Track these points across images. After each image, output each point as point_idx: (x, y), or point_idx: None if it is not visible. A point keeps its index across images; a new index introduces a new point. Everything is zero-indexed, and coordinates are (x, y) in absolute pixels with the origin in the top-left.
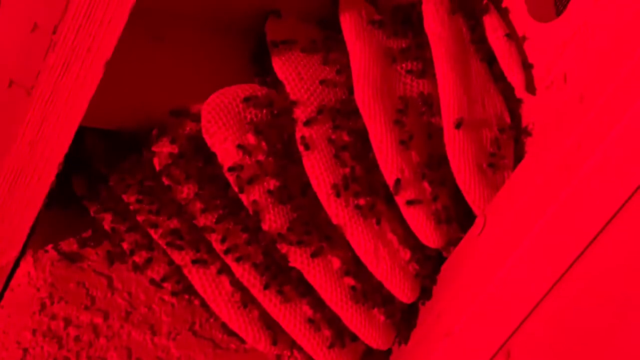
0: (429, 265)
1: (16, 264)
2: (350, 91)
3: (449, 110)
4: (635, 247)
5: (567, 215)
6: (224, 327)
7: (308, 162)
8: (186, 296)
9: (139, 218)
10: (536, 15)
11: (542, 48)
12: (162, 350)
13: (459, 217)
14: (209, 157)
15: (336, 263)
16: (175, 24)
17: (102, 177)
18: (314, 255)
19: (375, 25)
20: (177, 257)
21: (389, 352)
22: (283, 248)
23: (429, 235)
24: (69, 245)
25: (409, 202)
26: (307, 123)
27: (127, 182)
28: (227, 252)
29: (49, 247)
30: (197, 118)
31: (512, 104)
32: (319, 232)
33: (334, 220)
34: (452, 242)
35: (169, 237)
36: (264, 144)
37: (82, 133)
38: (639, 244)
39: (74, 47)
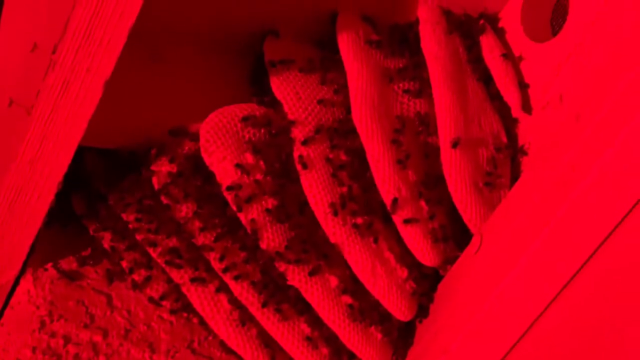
0: (426, 283)
1: (16, 282)
2: (348, 111)
3: (446, 129)
4: (631, 264)
5: (563, 234)
6: (223, 345)
7: (306, 181)
8: (185, 314)
9: (138, 237)
10: (532, 35)
11: (539, 68)
12: None
13: (455, 235)
14: (208, 176)
15: (334, 281)
16: (173, 44)
17: (102, 196)
18: (311, 273)
19: (373, 45)
20: (176, 275)
21: None
22: (281, 266)
23: (426, 253)
24: (69, 263)
25: (406, 221)
26: (305, 142)
27: (127, 201)
28: (225, 270)
29: (49, 265)
30: (195, 137)
31: (509, 123)
32: (317, 251)
33: (332, 239)
34: (449, 260)
35: (168, 255)
36: (262, 163)
37: (81, 152)
38: (635, 262)
39: (73, 66)
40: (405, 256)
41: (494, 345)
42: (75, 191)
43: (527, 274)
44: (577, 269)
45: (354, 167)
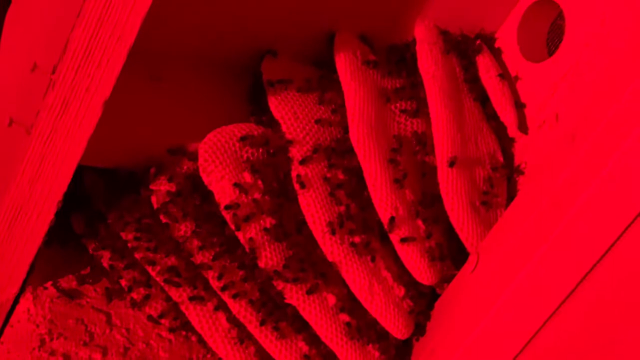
0: (422, 301)
1: (16, 301)
2: (346, 130)
3: (443, 148)
4: (627, 283)
5: (559, 253)
6: None
7: (304, 201)
8: (183, 332)
9: (137, 255)
10: (528, 55)
11: (535, 88)
12: None
13: (452, 254)
14: (206, 196)
15: (331, 300)
16: (172, 64)
17: (101, 215)
18: (309, 292)
19: (370, 65)
20: (175, 294)
21: None
22: (279, 285)
23: (422, 272)
24: (68, 282)
25: (403, 240)
26: (303, 162)
27: (126, 220)
28: (223, 289)
29: (48, 284)
30: (194, 157)
31: (505, 142)
32: (315, 270)
33: (329, 258)
34: (446, 279)
35: (167, 274)
36: (260, 182)
37: (80, 171)
38: (630, 281)
39: (73, 86)
40: (403, 275)
41: None
42: (75, 210)
43: (524, 292)
44: (573, 288)
45: (351, 186)
